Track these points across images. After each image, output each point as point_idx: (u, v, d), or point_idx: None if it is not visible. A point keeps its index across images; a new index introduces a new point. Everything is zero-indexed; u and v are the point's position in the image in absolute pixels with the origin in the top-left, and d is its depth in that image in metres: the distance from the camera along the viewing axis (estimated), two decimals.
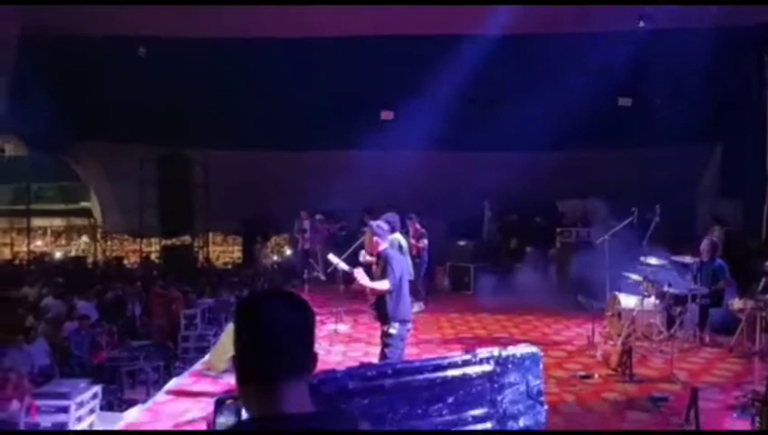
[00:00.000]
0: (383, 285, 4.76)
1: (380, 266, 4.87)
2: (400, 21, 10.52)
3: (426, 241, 9.48)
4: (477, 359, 3.37)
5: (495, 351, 3.53)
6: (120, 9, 9.93)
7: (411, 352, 6.40)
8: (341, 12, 10.19)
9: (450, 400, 3.18)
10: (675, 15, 9.99)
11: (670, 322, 7.11)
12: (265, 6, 10.00)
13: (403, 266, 4.97)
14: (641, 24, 10.45)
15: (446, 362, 3.33)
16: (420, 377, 3.23)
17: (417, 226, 9.56)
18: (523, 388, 3.39)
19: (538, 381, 3.48)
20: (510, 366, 3.41)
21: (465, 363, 3.33)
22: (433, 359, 3.37)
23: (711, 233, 8.89)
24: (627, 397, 5.56)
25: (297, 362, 1.31)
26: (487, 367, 3.34)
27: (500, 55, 10.50)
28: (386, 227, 5.35)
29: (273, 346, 1.28)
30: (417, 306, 9.12)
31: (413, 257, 8.72)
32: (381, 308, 4.89)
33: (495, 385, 3.33)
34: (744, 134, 11.23)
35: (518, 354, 3.51)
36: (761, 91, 10.72)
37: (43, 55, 10.94)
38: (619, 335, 6.60)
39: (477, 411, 3.26)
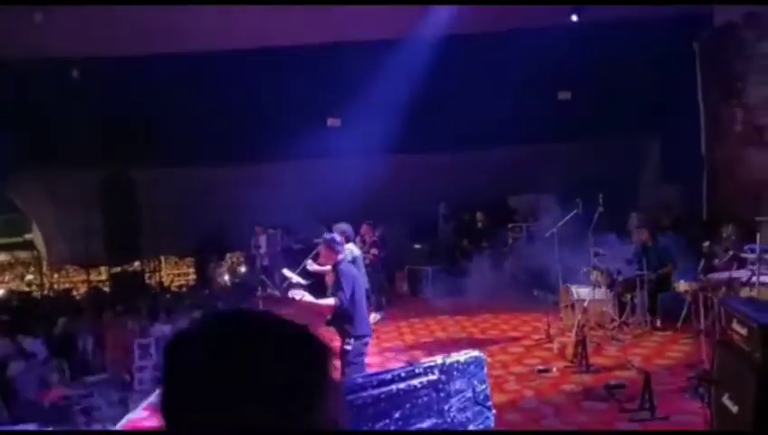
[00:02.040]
0: (327, 301, 4.71)
1: (333, 280, 4.82)
2: (341, 27, 10.47)
3: (376, 250, 9.26)
4: (421, 369, 3.32)
5: (439, 359, 3.49)
6: (50, 30, 9.53)
7: (374, 362, 6.35)
8: (283, 20, 10.06)
9: (397, 414, 3.12)
10: (606, 8, 10.27)
11: (622, 309, 7.27)
12: (203, 17, 9.77)
13: (356, 280, 4.89)
14: (574, 18, 10.71)
15: (389, 375, 3.26)
16: (364, 394, 3.17)
17: (370, 234, 9.34)
18: (469, 394, 3.36)
19: (484, 386, 3.47)
20: (455, 373, 3.38)
21: (410, 375, 3.28)
22: (376, 374, 3.29)
23: (631, 221, 9.22)
24: (583, 387, 5.65)
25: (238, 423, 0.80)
26: (432, 376, 3.30)
27: (441, 56, 10.58)
28: (340, 238, 5.29)
29: (195, 403, 0.82)
30: (373, 317, 9.03)
31: (367, 266, 8.59)
32: (338, 324, 4.83)
33: (442, 394, 3.30)
34: (681, 122, 11.63)
35: (462, 360, 3.49)
36: (692, 79, 11.12)
37: None
38: (574, 326, 6.70)
39: (425, 424, 3.21)
